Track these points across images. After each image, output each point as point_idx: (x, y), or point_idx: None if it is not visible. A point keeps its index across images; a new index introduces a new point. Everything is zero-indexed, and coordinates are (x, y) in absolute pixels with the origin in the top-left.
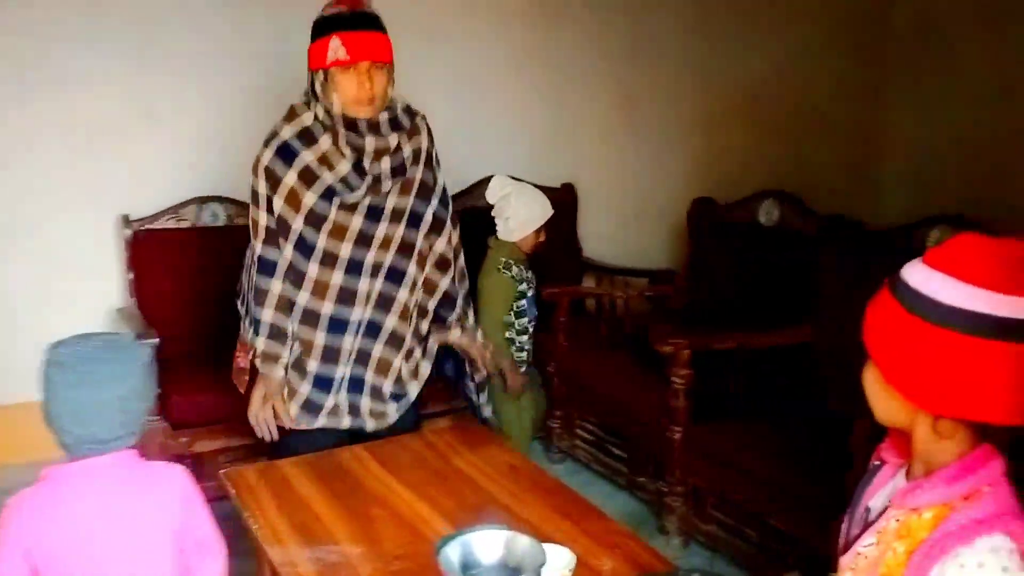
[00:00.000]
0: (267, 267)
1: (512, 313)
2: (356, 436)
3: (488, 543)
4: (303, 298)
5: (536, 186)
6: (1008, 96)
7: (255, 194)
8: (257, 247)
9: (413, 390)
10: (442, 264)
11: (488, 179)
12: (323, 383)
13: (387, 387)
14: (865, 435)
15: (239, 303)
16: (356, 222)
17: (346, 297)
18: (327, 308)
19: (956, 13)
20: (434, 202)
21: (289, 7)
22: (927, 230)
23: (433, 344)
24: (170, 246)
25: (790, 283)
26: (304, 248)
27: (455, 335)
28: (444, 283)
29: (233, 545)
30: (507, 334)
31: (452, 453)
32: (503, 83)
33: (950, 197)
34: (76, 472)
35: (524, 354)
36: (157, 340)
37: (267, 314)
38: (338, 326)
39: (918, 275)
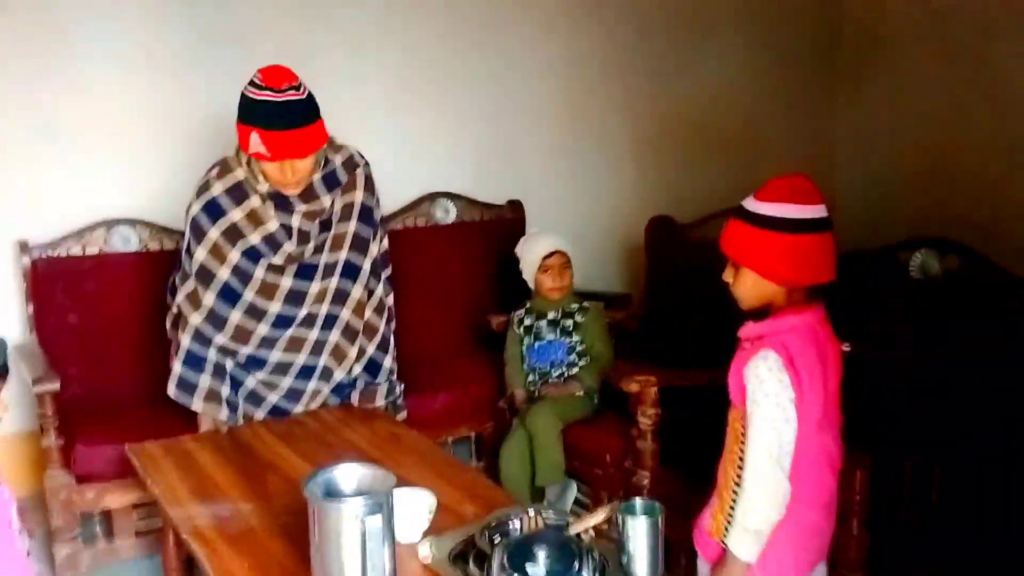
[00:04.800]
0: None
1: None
2: None
3: (347, 475)
4: (219, 339)
5: (480, 203)
6: (960, 112)
7: (185, 237)
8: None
9: None
10: (380, 308)
11: (429, 196)
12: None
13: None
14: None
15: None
16: (286, 283)
17: (268, 343)
18: (246, 350)
19: (906, 31)
20: (373, 250)
21: (205, 15)
22: (910, 253)
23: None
24: (75, 275)
25: None
26: (229, 297)
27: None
28: (382, 327)
29: None
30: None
31: (342, 427)
32: (443, 97)
33: (905, 213)
34: None
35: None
36: (57, 385)
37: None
38: (257, 364)
39: (755, 204)
